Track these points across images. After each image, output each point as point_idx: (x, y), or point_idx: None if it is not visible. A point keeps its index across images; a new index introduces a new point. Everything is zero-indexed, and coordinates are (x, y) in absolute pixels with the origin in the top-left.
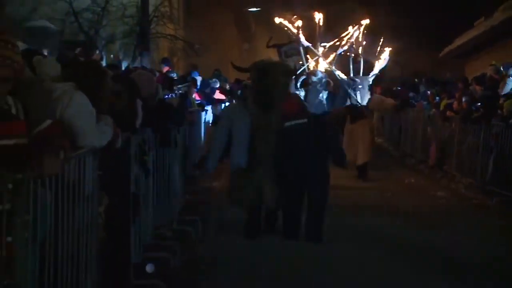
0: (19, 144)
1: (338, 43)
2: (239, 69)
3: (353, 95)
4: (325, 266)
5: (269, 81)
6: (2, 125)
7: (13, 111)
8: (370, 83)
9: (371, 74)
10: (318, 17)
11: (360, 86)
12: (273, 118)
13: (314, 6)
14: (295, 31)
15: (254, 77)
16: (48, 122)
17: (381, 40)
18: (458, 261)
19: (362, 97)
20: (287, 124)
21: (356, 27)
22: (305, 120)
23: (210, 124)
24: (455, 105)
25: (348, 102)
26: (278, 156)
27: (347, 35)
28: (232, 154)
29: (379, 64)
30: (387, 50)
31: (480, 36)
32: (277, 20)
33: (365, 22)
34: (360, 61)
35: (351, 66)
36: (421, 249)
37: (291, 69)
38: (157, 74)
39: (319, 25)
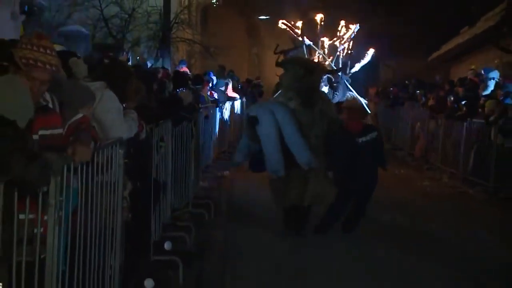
0: (55, 134)
1: (337, 41)
2: (282, 52)
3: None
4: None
5: (315, 78)
6: (41, 118)
7: (50, 105)
8: (349, 81)
9: (350, 72)
10: (319, 17)
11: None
12: (317, 114)
13: (314, 9)
14: (298, 31)
15: (299, 74)
16: (80, 115)
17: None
18: (444, 243)
19: (341, 95)
20: (362, 139)
21: (354, 28)
22: (376, 133)
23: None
24: (430, 102)
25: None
26: (347, 170)
27: (344, 34)
28: (269, 157)
29: (360, 64)
30: (371, 50)
31: (464, 43)
32: (281, 24)
33: (355, 27)
34: (347, 62)
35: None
36: (409, 232)
37: (330, 69)
38: (161, 71)
39: (320, 24)
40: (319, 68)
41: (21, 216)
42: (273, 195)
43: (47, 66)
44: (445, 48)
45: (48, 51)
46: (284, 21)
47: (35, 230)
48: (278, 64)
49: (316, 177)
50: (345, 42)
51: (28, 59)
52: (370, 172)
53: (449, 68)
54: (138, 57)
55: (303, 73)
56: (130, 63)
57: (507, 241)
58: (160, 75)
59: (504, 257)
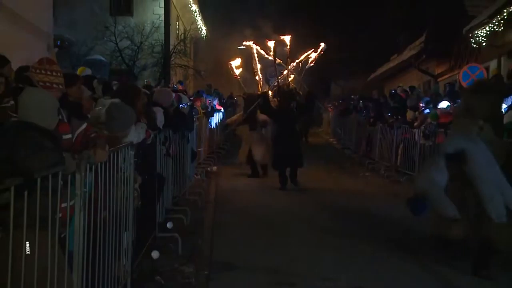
0: (65, 139)
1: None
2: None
3: None
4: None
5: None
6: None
7: (60, 117)
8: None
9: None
10: (288, 38)
11: None
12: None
13: (274, 33)
14: (270, 52)
15: (494, 101)
16: (84, 125)
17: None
18: (380, 218)
19: None
20: None
21: (322, 47)
22: None
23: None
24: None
25: None
26: None
27: (309, 55)
28: (490, 199)
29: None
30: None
31: (394, 67)
32: (252, 45)
33: (323, 46)
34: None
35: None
36: (355, 211)
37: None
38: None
39: (290, 46)
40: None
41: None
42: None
43: (60, 86)
44: (380, 70)
45: (58, 74)
46: (251, 44)
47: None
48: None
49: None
50: (313, 61)
51: (45, 82)
52: None
53: (383, 86)
54: (146, 80)
55: (497, 98)
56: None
57: None
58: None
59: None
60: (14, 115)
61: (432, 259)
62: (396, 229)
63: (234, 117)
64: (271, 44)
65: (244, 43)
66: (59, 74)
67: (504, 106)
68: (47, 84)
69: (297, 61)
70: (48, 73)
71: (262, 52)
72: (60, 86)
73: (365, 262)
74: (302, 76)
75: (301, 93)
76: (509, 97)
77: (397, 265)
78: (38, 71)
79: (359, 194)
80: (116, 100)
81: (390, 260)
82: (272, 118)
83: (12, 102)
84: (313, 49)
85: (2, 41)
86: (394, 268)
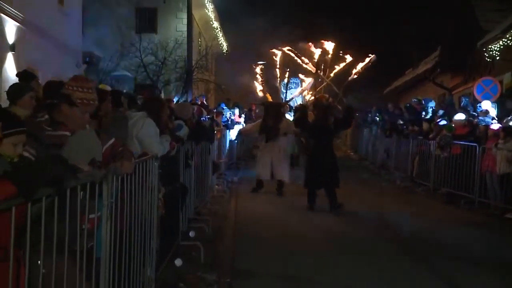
0: None
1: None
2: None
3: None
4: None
5: None
6: None
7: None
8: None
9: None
10: (331, 46)
11: None
12: None
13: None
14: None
15: None
16: (112, 140)
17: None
18: (397, 228)
19: None
20: None
21: (371, 58)
22: None
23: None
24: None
25: None
26: None
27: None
28: None
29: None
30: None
31: (409, 80)
32: (287, 50)
33: (372, 58)
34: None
35: None
36: (372, 219)
37: None
38: (195, 108)
39: (332, 54)
40: None
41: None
42: None
43: (96, 103)
44: (395, 84)
45: (93, 91)
46: (286, 50)
47: (83, 226)
48: None
49: None
50: (358, 73)
51: (83, 99)
52: None
53: (399, 99)
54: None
55: None
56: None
57: (445, 223)
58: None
59: (444, 235)
60: (49, 128)
61: (443, 263)
62: (412, 238)
63: (248, 126)
64: (316, 51)
65: (275, 50)
66: (93, 91)
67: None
68: (85, 101)
69: (334, 71)
70: (85, 90)
71: (298, 59)
72: (96, 102)
73: (382, 270)
74: (342, 89)
75: (339, 107)
76: None
77: (409, 271)
78: (75, 88)
79: (376, 204)
80: (141, 113)
81: (403, 266)
82: (308, 134)
83: (46, 116)
84: (347, 60)
85: (34, 58)
86: (407, 273)
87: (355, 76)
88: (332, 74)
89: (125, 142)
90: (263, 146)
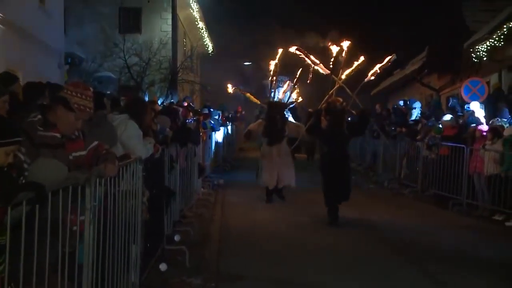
0: (81, 155)
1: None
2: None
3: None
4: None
5: None
6: (73, 145)
7: (76, 134)
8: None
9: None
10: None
11: None
12: None
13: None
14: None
15: None
16: (96, 142)
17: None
18: (386, 230)
19: None
20: None
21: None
22: None
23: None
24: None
25: None
26: None
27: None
28: None
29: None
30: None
31: (397, 81)
32: (295, 50)
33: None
34: None
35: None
36: (360, 221)
37: None
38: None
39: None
40: None
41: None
42: None
43: (91, 110)
44: (383, 85)
45: (90, 99)
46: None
47: (74, 228)
48: None
49: None
50: (374, 74)
51: (80, 105)
52: None
53: (386, 99)
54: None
55: None
56: (146, 99)
57: (433, 225)
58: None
59: (433, 237)
60: (41, 129)
61: (433, 265)
62: (401, 241)
63: (254, 126)
64: (334, 49)
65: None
66: (91, 99)
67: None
68: (82, 107)
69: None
70: (83, 97)
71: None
72: (91, 110)
73: (371, 273)
74: (356, 92)
75: (354, 112)
76: (504, 110)
77: (399, 273)
78: (74, 93)
79: (364, 206)
80: (124, 116)
81: (393, 268)
82: (321, 141)
83: (39, 116)
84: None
85: (15, 58)
86: (397, 275)
87: (372, 78)
88: (344, 76)
89: (110, 144)
90: (266, 150)
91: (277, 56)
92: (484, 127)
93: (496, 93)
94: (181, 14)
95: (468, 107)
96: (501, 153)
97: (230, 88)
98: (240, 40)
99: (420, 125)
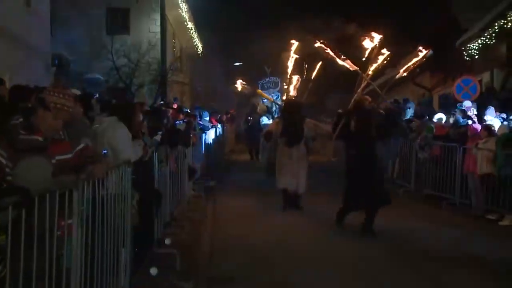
0: (66, 158)
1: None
2: None
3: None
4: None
5: None
6: (57, 147)
7: (62, 137)
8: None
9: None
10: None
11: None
12: None
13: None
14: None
15: None
16: (82, 144)
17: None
18: (380, 230)
19: None
20: None
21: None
22: None
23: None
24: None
25: None
26: None
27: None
28: None
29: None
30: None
31: (388, 79)
32: (319, 44)
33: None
34: None
35: None
36: (353, 222)
37: None
38: (170, 111)
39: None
40: None
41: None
42: None
43: (70, 110)
44: (374, 84)
45: (70, 98)
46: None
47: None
48: None
49: None
50: (408, 69)
51: (56, 104)
52: None
53: (378, 98)
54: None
55: None
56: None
57: (427, 225)
58: (170, 113)
59: (427, 237)
60: (23, 132)
61: (428, 265)
62: (395, 241)
63: (272, 125)
64: (367, 45)
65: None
66: (70, 98)
67: (494, 118)
68: (58, 105)
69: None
70: (61, 96)
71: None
72: (71, 110)
73: (365, 272)
74: (385, 91)
75: (382, 112)
76: (489, 108)
77: (394, 272)
78: (52, 93)
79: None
80: (112, 118)
81: (388, 268)
82: (349, 144)
83: (21, 119)
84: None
85: (0, 61)
86: (392, 274)
87: (404, 74)
88: (371, 72)
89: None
90: (285, 151)
91: (292, 50)
92: (477, 126)
93: (487, 91)
94: (170, 15)
95: (462, 106)
96: (494, 152)
97: (238, 85)
98: (230, 40)
99: (414, 124)
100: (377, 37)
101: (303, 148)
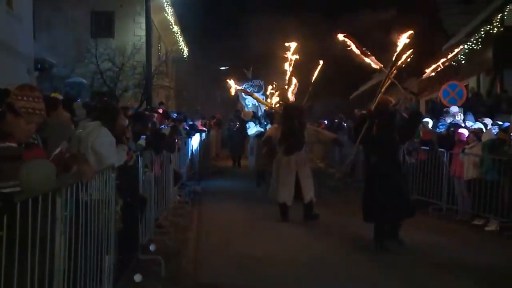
0: None
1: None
2: None
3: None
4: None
5: None
6: (31, 152)
7: (36, 142)
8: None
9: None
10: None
11: None
12: None
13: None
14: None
15: None
16: (59, 148)
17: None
18: (367, 236)
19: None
20: None
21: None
22: None
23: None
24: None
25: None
26: None
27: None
28: None
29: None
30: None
31: (376, 84)
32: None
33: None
34: None
35: None
36: (339, 228)
37: None
38: (156, 116)
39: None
40: None
41: None
42: None
43: (42, 112)
44: (362, 88)
45: (40, 100)
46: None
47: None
48: None
49: None
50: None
51: (27, 108)
52: None
53: (366, 103)
54: (129, 102)
55: None
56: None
57: (414, 231)
58: (155, 117)
59: (414, 243)
60: None
61: (414, 271)
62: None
63: (271, 130)
64: (402, 42)
65: (340, 36)
66: (40, 100)
67: (478, 124)
68: (29, 110)
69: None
70: (30, 99)
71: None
72: (42, 112)
73: (352, 279)
74: (407, 90)
75: (404, 114)
76: (468, 114)
77: (381, 278)
78: (20, 97)
79: (344, 213)
80: (96, 123)
81: (374, 274)
82: (370, 149)
83: None
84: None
85: None
86: (379, 281)
87: (433, 74)
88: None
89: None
90: (284, 160)
91: (292, 50)
92: (464, 131)
93: (473, 97)
94: (155, 18)
95: (450, 111)
96: (481, 157)
97: (232, 88)
98: (216, 44)
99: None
100: (405, 35)
101: (305, 156)
